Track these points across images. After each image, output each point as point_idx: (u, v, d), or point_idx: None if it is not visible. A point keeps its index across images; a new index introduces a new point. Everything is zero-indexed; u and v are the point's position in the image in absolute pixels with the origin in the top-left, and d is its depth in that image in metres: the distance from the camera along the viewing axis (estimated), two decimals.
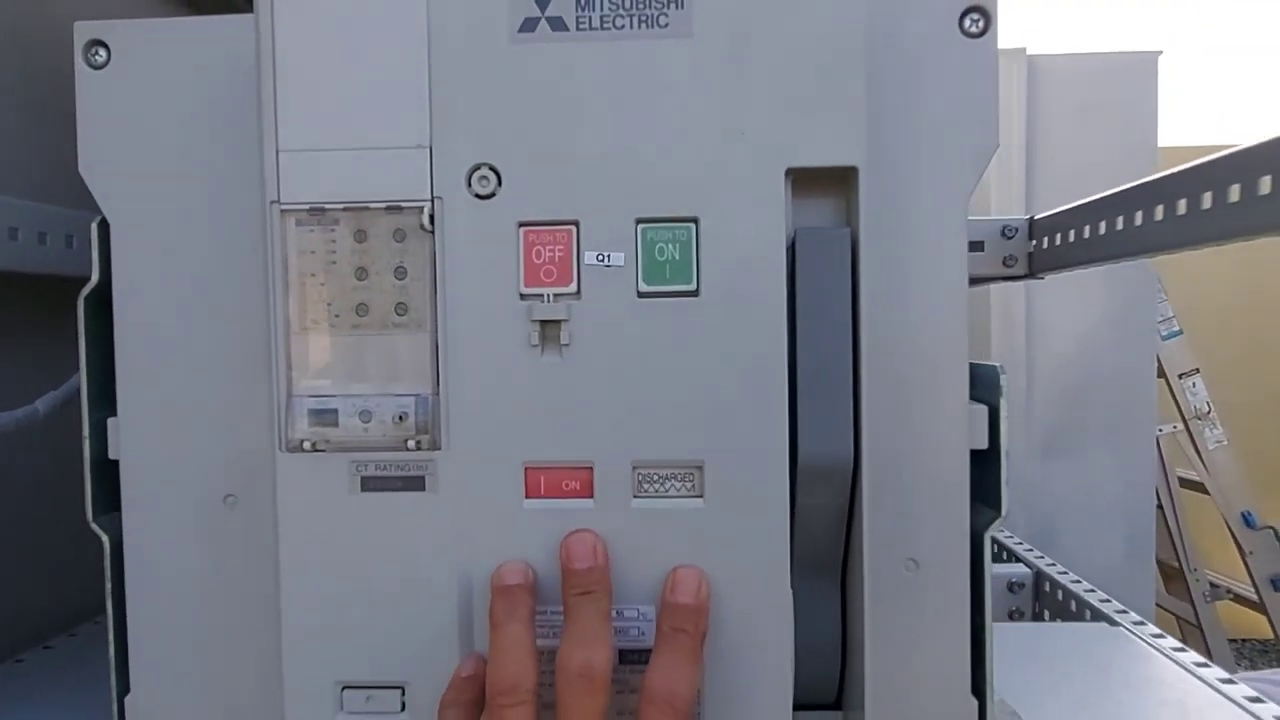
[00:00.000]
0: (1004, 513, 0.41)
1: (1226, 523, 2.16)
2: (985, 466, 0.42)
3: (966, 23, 0.40)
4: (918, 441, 0.41)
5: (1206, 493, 2.18)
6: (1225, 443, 2.14)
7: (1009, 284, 1.71)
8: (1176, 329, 2.10)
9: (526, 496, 0.37)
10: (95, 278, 0.42)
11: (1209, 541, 2.26)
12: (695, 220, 0.36)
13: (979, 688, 0.42)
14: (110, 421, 0.42)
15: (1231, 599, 2.31)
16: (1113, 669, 0.58)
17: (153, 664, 0.43)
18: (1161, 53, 1.76)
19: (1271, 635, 2.28)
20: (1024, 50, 1.74)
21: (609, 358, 0.37)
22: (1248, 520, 2.12)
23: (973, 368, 0.42)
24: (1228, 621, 2.29)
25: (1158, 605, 2.18)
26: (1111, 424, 1.76)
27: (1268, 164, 0.48)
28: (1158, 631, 0.63)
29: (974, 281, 0.94)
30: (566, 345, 0.36)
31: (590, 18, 0.37)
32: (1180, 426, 2.16)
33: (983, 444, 0.42)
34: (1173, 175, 0.58)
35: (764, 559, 0.37)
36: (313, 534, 0.37)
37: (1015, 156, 1.70)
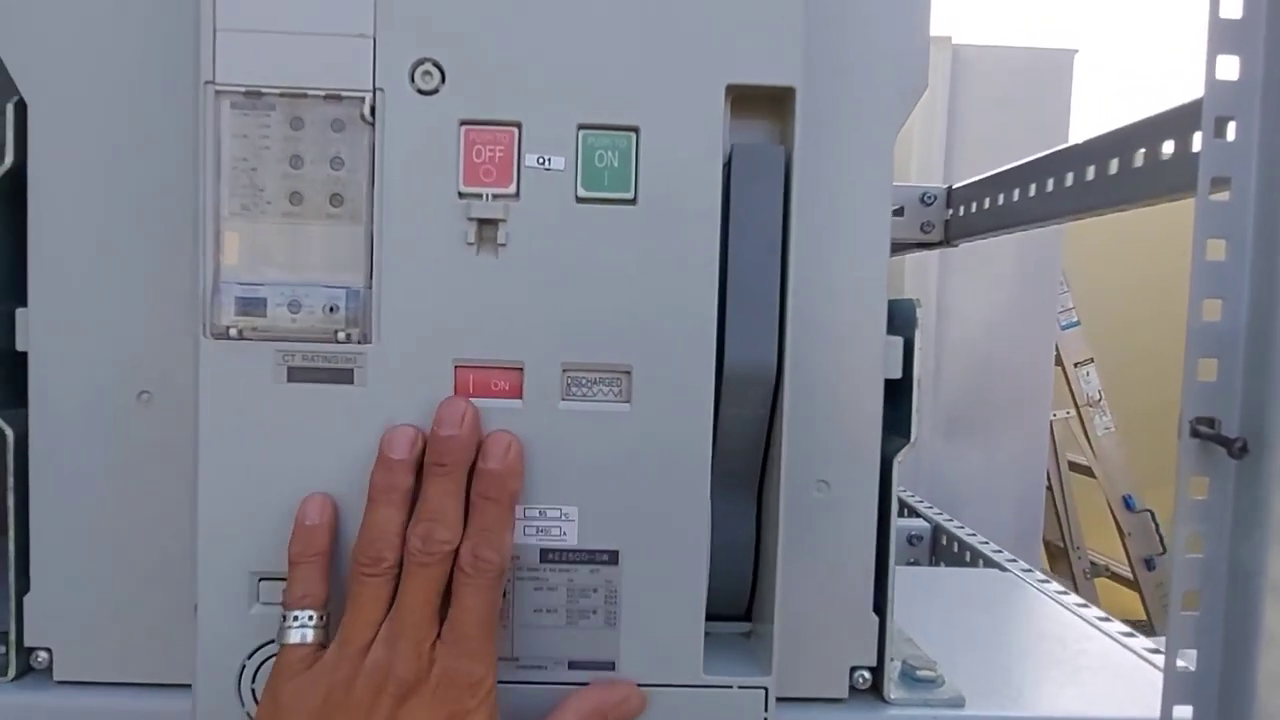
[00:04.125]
0: (913, 439, 0.43)
1: (1109, 505, 2.28)
2: (898, 396, 0.44)
3: None
4: (835, 367, 0.42)
5: (1093, 476, 2.30)
6: (1113, 430, 2.26)
7: (923, 268, 1.76)
8: (1075, 320, 2.20)
9: (455, 395, 0.37)
10: (9, 160, 0.41)
11: (1092, 523, 2.39)
12: (636, 129, 0.37)
13: (880, 606, 0.44)
14: (19, 312, 0.41)
15: (1109, 577, 2.45)
16: (1000, 607, 0.62)
17: (54, 562, 0.42)
18: (1078, 51, 1.83)
19: (1144, 617, 2.41)
20: (950, 39, 1.78)
21: (544, 260, 0.37)
22: (1128, 504, 2.25)
23: (891, 303, 0.44)
24: (1105, 602, 2.42)
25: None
26: (1011, 408, 1.83)
27: (1171, 130, 0.51)
28: (1044, 577, 0.67)
29: (894, 249, 0.97)
30: (503, 245, 0.37)
31: None
32: (1073, 413, 2.26)
33: (896, 374, 0.43)
34: (1084, 143, 0.61)
35: (686, 465, 0.38)
36: (234, 422, 0.37)
37: (936, 141, 1.76)
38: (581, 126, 0.37)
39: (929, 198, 0.86)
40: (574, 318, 0.37)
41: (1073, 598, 0.63)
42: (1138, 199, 0.55)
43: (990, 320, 1.82)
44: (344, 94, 0.36)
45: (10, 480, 0.41)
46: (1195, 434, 0.40)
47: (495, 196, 0.37)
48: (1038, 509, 1.89)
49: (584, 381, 0.38)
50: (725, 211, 0.38)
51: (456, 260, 0.37)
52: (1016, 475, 1.85)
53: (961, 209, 0.83)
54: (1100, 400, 2.23)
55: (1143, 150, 0.52)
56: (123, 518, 0.42)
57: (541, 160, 0.37)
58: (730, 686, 0.39)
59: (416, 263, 0.37)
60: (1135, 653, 0.53)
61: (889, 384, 0.43)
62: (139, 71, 0.40)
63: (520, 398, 0.37)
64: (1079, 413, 2.25)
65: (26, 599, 0.42)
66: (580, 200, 0.37)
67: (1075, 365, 2.22)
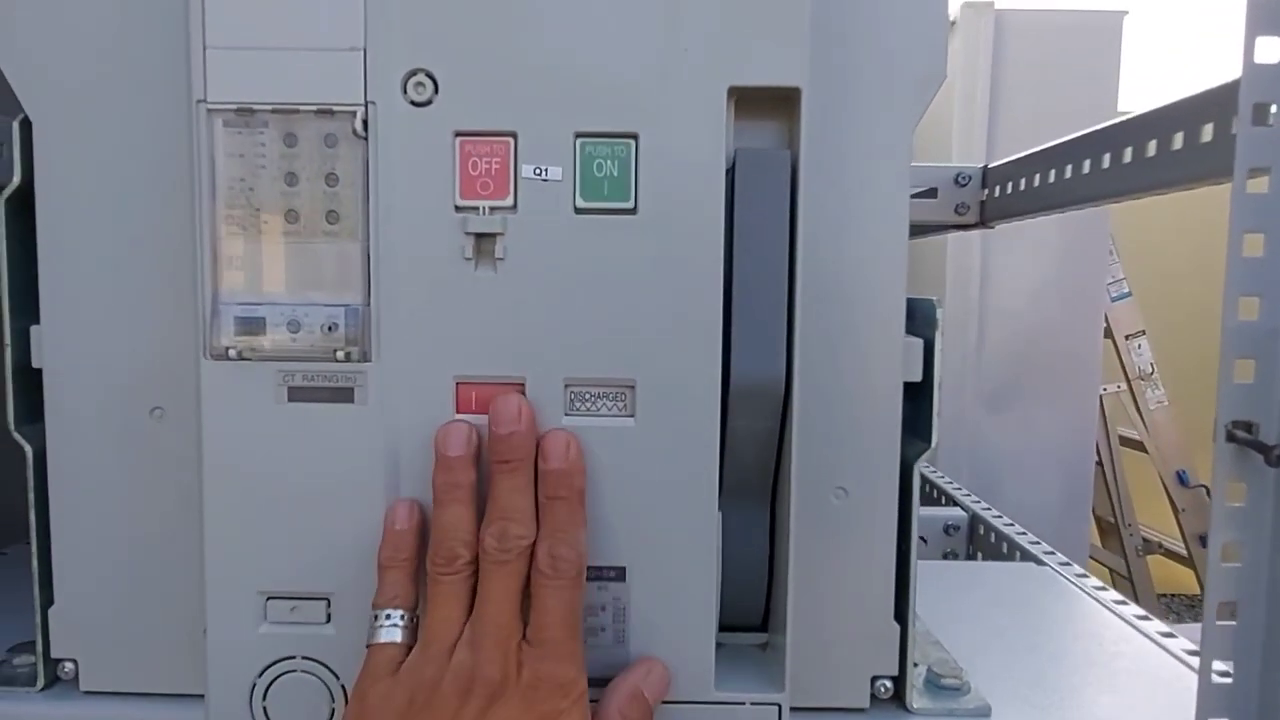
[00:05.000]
0: (933, 444, 0.42)
1: (1162, 480, 2.22)
2: (918, 399, 0.42)
3: None
4: (852, 371, 0.41)
5: (1145, 451, 2.24)
6: (1166, 403, 2.20)
7: (966, 237, 1.73)
8: (1126, 291, 2.14)
9: (457, 411, 0.37)
10: (16, 179, 0.41)
11: (1144, 498, 2.33)
12: (635, 136, 0.36)
13: (901, 614, 0.42)
14: (33, 329, 0.41)
15: (1162, 554, 2.39)
16: (1035, 605, 0.60)
17: (76, 575, 0.42)
18: (1127, 13, 1.77)
19: (1198, 591, 2.36)
20: (992, 3, 1.73)
21: (544, 274, 0.36)
22: (1182, 479, 2.19)
23: (910, 302, 0.42)
24: (1157, 577, 2.37)
25: (1092, 558, 2.25)
26: (1057, 381, 1.79)
27: (1211, 112, 0.48)
28: (1082, 571, 0.65)
29: (927, 230, 0.95)
30: (501, 260, 0.36)
31: None
32: (1124, 386, 2.21)
33: (916, 376, 0.42)
34: (1121, 124, 0.59)
35: (693, 480, 0.37)
36: (237, 443, 0.37)
37: (979, 109, 1.71)
38: (579, 135, 0.36)
39: (963, 178, 0.83)
40: (576, 331, 0.36)
41: (1111, 594, 0.61)
42: (1176, 183, 0.52)
43: (1035, 291, 1.77)
44: (335, 108, 0.35)
45: (31, 495, 0.42)
46: (1231, 438, 0.38)
47: (492, 209, 0.36)
48: (1086, 484, 1.85)
49: (587, 396, 0.37)
50: (730, 219, 0.36)
51: (455, 276, 0.36)
52: (1064, 450, 1.81)
53: (997, 189, 0.81)
54: (1152, 373, 2.18)
55: (1181, 133, 0.50)
56: (142, 530, 0.42)
57: (538, 171, 0.36)
58: (742, 703, 0.38)
59: (415, 279, 0.36)
60: (1174, 655, 0.51)
61: (909, 386, 0.42)
62: (144, 86, 0.39)
63: None
64: (1130, 386, 2.19)
65: (51, 611, 0.42)
66: (579, 211, 0.36)
67: (1126, 338, 2.16)
